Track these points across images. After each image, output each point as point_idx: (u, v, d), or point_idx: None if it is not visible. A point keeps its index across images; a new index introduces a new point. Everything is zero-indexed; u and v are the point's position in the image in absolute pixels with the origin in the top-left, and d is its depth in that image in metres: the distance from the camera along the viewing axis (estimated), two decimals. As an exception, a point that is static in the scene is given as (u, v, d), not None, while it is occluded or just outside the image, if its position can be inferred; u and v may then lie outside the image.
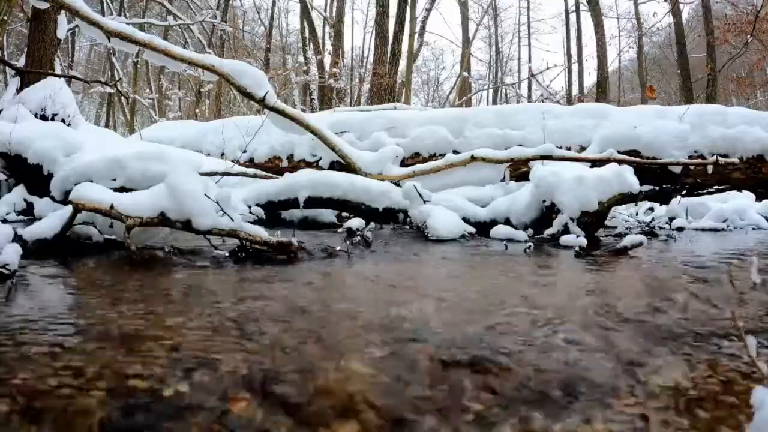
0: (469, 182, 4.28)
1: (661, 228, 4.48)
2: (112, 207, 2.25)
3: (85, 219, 2.44)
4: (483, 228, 3.64)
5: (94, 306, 1.40)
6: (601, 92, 17.09)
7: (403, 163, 4.91)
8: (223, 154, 5.67)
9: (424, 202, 3.68)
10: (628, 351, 1.11)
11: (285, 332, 1.18)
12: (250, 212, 3.92)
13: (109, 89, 14.32)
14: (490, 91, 29.62)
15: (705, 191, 4.68)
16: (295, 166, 5.24)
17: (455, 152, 4.77)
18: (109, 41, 4.42)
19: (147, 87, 19.89)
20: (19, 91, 5.24)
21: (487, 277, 2.07)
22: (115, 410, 0.80)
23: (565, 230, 3.31)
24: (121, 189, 3.47)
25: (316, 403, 0.84)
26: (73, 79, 8.65)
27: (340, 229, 3.66)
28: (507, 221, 3.74)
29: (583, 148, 4.75)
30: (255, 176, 4.50)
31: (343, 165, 4.76)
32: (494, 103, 27.76)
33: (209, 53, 13.29)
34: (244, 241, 2.31)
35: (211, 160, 4.91)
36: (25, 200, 4.14)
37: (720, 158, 3.94)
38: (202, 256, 2.27)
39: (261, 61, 20.34)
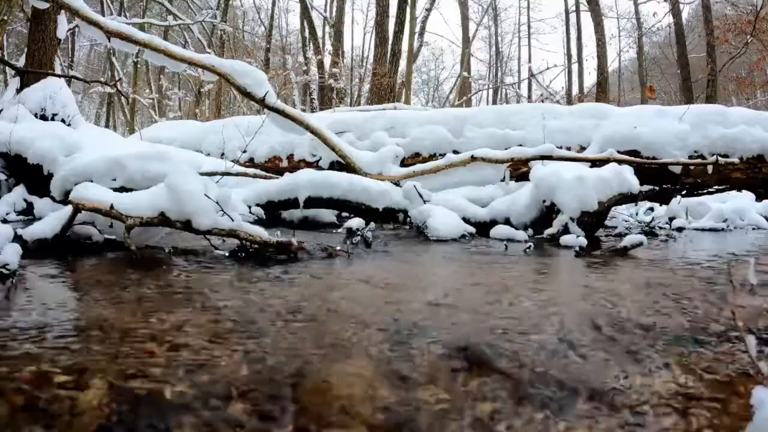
0: (469, 182, 4.28)
1: (661, 228, 4.48)
2: (112, 207, 2.25)
3: (85, 219, 2.44)
4: (483, 228, 3.64)
5: (94, 306, 1.40)
6: (601, 92, 17.07)
7: (403, 163, 4.91)
8: (223, 154, 5.67)
9: (424, 202, 3.69)
10: (627, 351, 1.11)
11: (285, 332, 1.18)
12: (250, 212, 3.92)
13: (109, 89, 14.33)
14: (490, 91, 29.59)
15: (705, 191, 4.68)
16: (295, 166, 5.25)
17: (455, 152, 4.77)
18: (109, 41, 4.42)
19: (147, 87, 19.88)
20: (19, 91, 5.23)
21: (487, 277, 2.07)
22: (116, 410, 0.80)
23: (565, 230, 3.31)
24: (121, 189, 3.46)
25: (316, 404, 0.84)
26: (73, 79, 8.64)
27: (340, 229, 3.66)
28: (507, 221, 3.74)
29: (583, 148, 4.75)
30: (255, 176, 4.51)
31: (343, 165, 4.76)
32: (494, 103, 27.73)
33: (209, 53, 13.29)
34: (244, 241, 2.31)
35: (211, 160, 4.91)
36: (25, 200, 4.13)
37: (720, 158, 3.94)
38: (202, 256, 2.27)
39: (261, 61, 20.33)
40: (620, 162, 3.85)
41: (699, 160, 4.20)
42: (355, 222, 3.54)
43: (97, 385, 0.86)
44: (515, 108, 5.44)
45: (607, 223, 4.46)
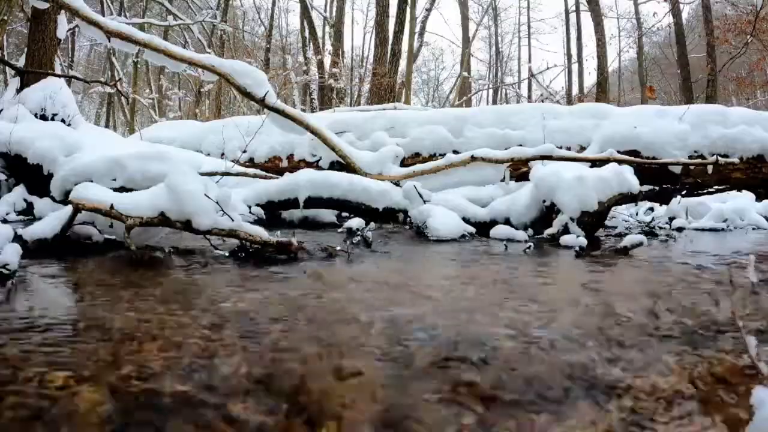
0: (469, 182, 4.28)
1: (661, 228, 4.48)
2: (112, 207, 2.25)
3: (85, 219, 2.44)
4: (483, 228, 3.64)
5: (93, 306, 1.40)
6: (601, 92, 17.06)
7: (403, 163, 4.91)
8: (223, 154, 5.67)
9: (424, 202, 3.68)
10: (627, 351, 1.11)
11: (285, 332, 1.18)
12: (250, 212, 3.92)
13: (109, 89, 14.33)
14: (490, 91, 29.59)
15: (705, 191, 4.68)
16: (295, 166, 5.25)
17: (455, 152, 4.77)
18: (109, 41, 4.43)
19: (147, 87, 19.89)
20: (19, 91, 5.24)
21: (487, 277, 2.07)
22: (116, 410, 0.80)
23: (565, 230, 3.31)
24: (121, 189, 3.46)
25: (315, 403, 0.84)
26: (73, 79, 8.64)
27: (340, 229, 3.66)
28: (507, 221, 3.74)
29: (583, 148, 4.75)
30: (255, 176, 4.51)
31: (343, 165, 4.76)
32: (494, 103, 27.72)
33: (209, 53, 13.29)
34: (244, 241, 2.31)
35: (211, 160, 4.92)
36: (25, 200, 4.14)
37: (720, 158, 3.94)
38: (202, 256, 2.27)
39: (261, 61, 20.33)
40: (620, 162, 3.85)
41: (699, 160, 4.19)
42: (355, 222, 3.54)
43: (98, 385, 0.86)
44: (515, 108, 5.44)
45: (607, 223, 4.46)
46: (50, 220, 2.36)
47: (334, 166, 5.02)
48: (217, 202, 2.26)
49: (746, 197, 5.13)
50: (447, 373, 0.96)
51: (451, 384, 0.92)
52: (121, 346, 1.06)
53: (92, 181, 3.25)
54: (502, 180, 4.27)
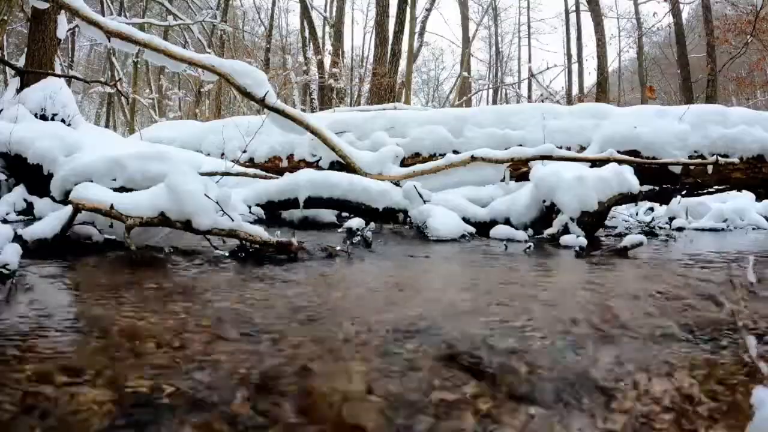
0: (469, 182, 4.28)
1: (661, 228, 4.48)
2: (112, 207, 2.25)
3: (85, 219, 2.44)
4: (483, 228, 3.64)
5: (93, 306, 1.40)
6: (601, 92, 17.04)
7: (403, 163, 4.91)
8: (223, 154, 5.67)
9: (424, 202, 3.68)
10: (627, 351, 1.11)
11: (285, 332, 1.18)
12: (250, 212, 3.92)
13: (109, 89, 14.33)
14: (490, 91, 29.56)
15: (705, 191, 4.67)
16: (295, 166, 5.24)
17: (455, 152, 4.77)
18: (109, 41, 4.42)
19: (147, 87, 19.88)
20: (19, 91, 5.23)
21: (487, 277, 2.07)
22: (116, 410, 0.80)
23: (565, 230, 3.31)
24: (121, 189, 3.46)
25: (315, 404, 0.84)
26: (73, 79, 8.64)
27: (340, 229, 3.66)
28: (507, 221, 3.74)
29: (583, 148, 4.75)
30: (255, 176, 4.51)
31: (343, 165, 4.76)
32: (494, 103, 27.70)
33: (209, 53, 13.29)
34: (244, 241, 2.31)
35: (211, 160, 4.91)
36: (25, 200, 4.13)
37: (720, 158, 3.94)
38: (202, 256, 2.27)
39: (261, 61, 20.31)
40: (620, 162, 3.85)
41: (699, 160, 4.19)
42: (355, 222, 3.53)
43: (98, 385, 0.86)
44: (515, 108, 5.44)
45: (607, 223, 4.46)
46: (50, 220, 2.36)
47: (334, 166, 5.02)
48: (217, 202, 2.26)
49: (746, 197, 5.13)
50: (447, 373, 0.96)
51: (450, 384, 0.92)
52: (121, 345, 1.06)
53: (92, 181, 3.25)
54: (502, 180, 4.27)
